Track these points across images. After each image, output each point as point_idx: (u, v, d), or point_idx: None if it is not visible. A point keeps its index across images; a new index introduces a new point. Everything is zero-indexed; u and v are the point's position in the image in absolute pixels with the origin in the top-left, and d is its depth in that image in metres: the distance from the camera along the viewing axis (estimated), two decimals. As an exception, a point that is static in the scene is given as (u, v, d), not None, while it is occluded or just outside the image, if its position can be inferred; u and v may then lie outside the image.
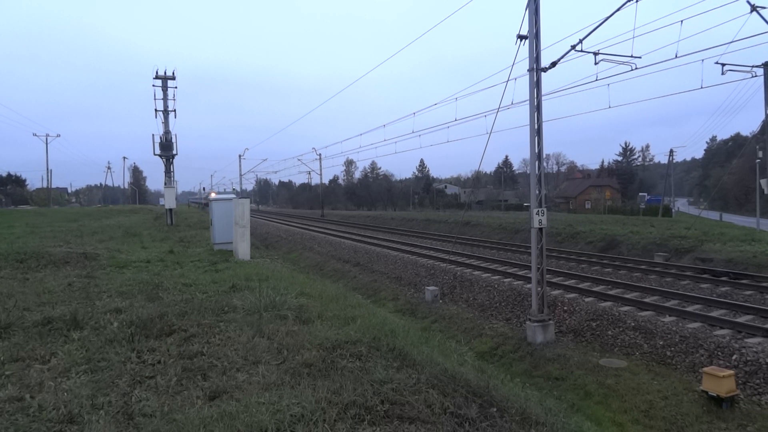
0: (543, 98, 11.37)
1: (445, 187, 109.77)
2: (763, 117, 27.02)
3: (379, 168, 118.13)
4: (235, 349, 5.25)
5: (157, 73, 30.75)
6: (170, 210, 31.26)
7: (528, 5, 11.07)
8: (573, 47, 11.37)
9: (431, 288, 16.03)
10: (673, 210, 56.67)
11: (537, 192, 11.41)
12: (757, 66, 20.26)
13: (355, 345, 5.32)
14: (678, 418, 7.78)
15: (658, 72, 26.35)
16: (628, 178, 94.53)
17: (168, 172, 32.28)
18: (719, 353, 9.08)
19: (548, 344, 11.00)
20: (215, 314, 6.73)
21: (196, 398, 4.01)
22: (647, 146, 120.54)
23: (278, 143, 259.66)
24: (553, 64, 11.64)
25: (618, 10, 10.64)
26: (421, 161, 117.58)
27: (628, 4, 10.62)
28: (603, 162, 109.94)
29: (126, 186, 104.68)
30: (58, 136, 68.63)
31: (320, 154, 63.03)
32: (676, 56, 12.06)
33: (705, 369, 8.17)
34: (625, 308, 11.90)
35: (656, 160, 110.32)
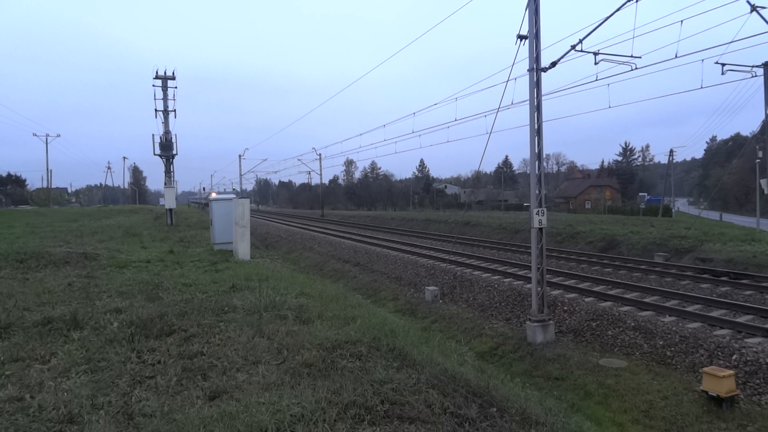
0: (543, 98, 11.38)
1: (445, 187, 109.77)
2: (763, 117, 27.04)
3: (379, 168, 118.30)
4: (235, 349, 5.25)
5: (157, 73, 30.77)
6: (170, 210, 31.26)
7: (528, 5, 11.07)
8: (573, 47, 11.37)
9: (431, 288, 16.03)
10: (673, 210, 56.65)
11: (537, 192, 11.41)
12: (757, 66, 20.26)
13: (355, 345, 5.32)
14: (678, 418, 7.78)
15: (658, 72, 26.38)
16: (628, 178, 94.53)
17: (168, 172, 32.29)
18: (719, 353, 9.08)
19: (548, 344, 11.00)
20: (215, 314, 6.73)
21: (196, 398, 4.01)
22: (647, 146, 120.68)
23: (278, 143, 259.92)
24: (553, 64, 11.65)
25: (618, 10, 10.65)
26: (421, 161, 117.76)
27: (628, 4, 10.63)
28: (603, 162, 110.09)
29: (126, 186, 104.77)
30: (58, 136, 68.71)
31: (320, 154, 63.12)
32: (676, 56, 12.06)
33: (705, 369, 8.17)
34: (625, 308, 11.90)
35: (656, 160, 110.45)
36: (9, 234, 19.32)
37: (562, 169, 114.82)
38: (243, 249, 14.71)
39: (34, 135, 68.74)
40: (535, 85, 11.23)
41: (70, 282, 9.25)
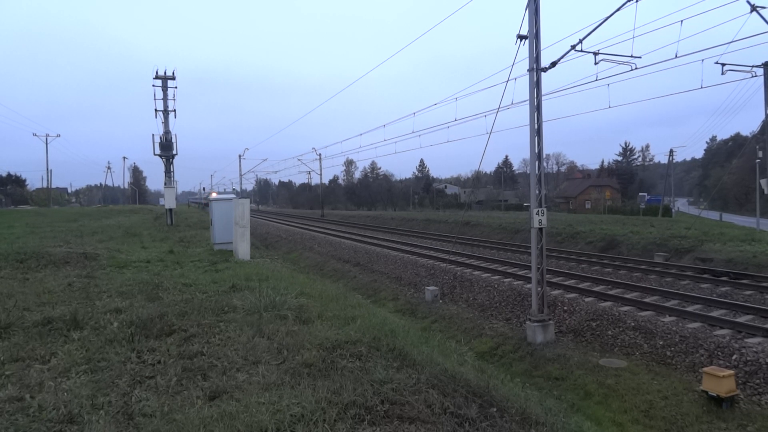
0: (543, 98, 11.38)
1: (445, 187, 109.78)
2: (763, 117, 27.03)
3: (379, 168, 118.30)
4: (235, 349, 5.25)
5: (157, 73, 30.76)
6: (170, 210, 31.26)
7: (528, 5, 11.07)
8: (573, 47, 11.37)
9: (431, 288, 16.03)
10: (673, 210, 56.66)
11: (537, 192, 11.41)
12: (757, 66, 20.25)
13: (355, 345, 5.32)
14: (678, 418, 7.78)
15: (658, 72, 26.37)
16: (628, 178, 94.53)
17: (168, 172, 32.29)
18: (719, 353, 9.08)
19: (548, 344, 11.00)
20: (215, 314, 6.73)
21: (196, 398, 4.01)
22: (647, 146, 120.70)
23: (278, 143, 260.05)
24: (553, 64, 11.65)
25: (618, 10, 10.65)
26: (421, 161, 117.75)
27: (628, 4, 10.63)
28: (603, 162, 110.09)
29: (126, 186, 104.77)
30: (58, 136, 68.73)
31: (320, 154, 63.10)
32: (676, 56, 12.07)
33: (705, 369, 8.17)
34: (625, 308, 11.90)
35: (656, 160, 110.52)
36: (9, 234, 19.33)
37: (562, 169, 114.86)
38: (243, 249, 14.71)
39: (34, 135, 68.84)
40: (535, 85, 11.23)
41: (70, 282, 9.25)
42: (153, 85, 30.90)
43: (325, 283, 12.95)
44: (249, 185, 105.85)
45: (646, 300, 12.46)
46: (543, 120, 11.34)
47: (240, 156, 62.76)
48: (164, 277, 9.81)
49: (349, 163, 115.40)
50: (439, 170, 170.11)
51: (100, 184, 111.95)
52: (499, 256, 22.25)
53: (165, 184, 32.59)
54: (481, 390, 4.58)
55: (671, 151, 55.38)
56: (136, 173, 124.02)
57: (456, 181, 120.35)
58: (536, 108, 11.23)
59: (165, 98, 31.13)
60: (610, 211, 60.23)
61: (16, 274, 10.30)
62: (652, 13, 13.76)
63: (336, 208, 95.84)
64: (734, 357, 8.82)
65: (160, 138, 31.29)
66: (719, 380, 7.72)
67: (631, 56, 11.79)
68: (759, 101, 25.44)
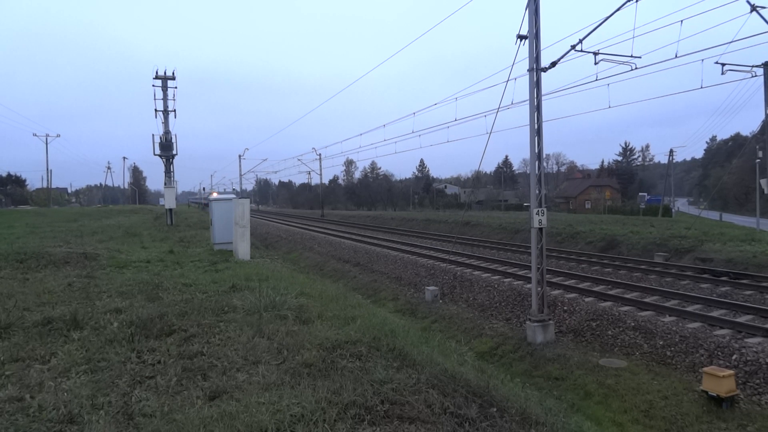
0: (543, 98, 11.38)
1: (445, 187, 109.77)
2: (763, 117, 27.04)
3: (379, 168, 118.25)
4: (235, 349, 5.25)
5: (157, 73, 30.77)
6: (170, 210, 31.27)
7: (528, 5, 11.07)
8: (573, 47, 11.37)
9: (431, 288, 16.03)
10: (673, 210, 56.65)
11: (537, 192, 11.41)
12: (757, 66, 20.25)
13: (355, 345, 5.32)
14: (678, 418, 7.78)
15: (658, 72, 26.33)
16: (628, 178, 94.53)
17: (168, 172, 32.29)
18: (719, 353, 9.08)
19: (548, 344, 11.00)
20: (215, 314, 6.73)
21: (196, 398, 4.01)
22: (647, 146, 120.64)
23: (278, 143, 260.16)
24: (553, 64, 11.65)
25: (618, 10, 10.65)
26: (421, 161, 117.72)
27: (628, 4, 10.63)
28: (603, 162, 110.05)
29: (126, 186, 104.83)
30: (58, 136, 68.72)
31: (320, 154, 63.09)
32: (676, 56, 12.06)
33: (705, 369, 8.17)
34: (625, 308, 11.90)
35: (656, 160, 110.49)
36: (9, 234, 19.33)
37: (562, 169, 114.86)
38: (243, 249, 14.71)
39: (34, 135, 68.91)
40: (535, 85, 11.23)
41: (70, 282, 9.25)
42: (153, 85, 30.96)
43: (325, 283, 12.95)
44: (249, 185, 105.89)
45: (646, 300, 12.46)
46: (543, 120, 11.34)
47: (240, 156, 62.74)
48: (164, 277, 9.81)
49: (349, 163, 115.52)
50: (439, 170, 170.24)
51: (100, 185, 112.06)
52: (499, 256, 22.25)
53: (165, 184, 32.60)
54: (481, 390, 4.58)
55: (671, 151, 55.43)
56: (136, 173, 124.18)
57: (456, 181, 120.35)
58: (536, 108, 11.24)
59: (165, 98, 31.14)
60: (610, 211, 60.23)
61: (16, 274, 10.30)
62: (652, 13, 13.78)
63: (336, 208, 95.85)
64: (734, 357, 8.82)
65: (160, 138, 31.31)
66: (719, 380, 7.72)
67: (631, 56, 11.80)
68: (759, 101, 25.46)
